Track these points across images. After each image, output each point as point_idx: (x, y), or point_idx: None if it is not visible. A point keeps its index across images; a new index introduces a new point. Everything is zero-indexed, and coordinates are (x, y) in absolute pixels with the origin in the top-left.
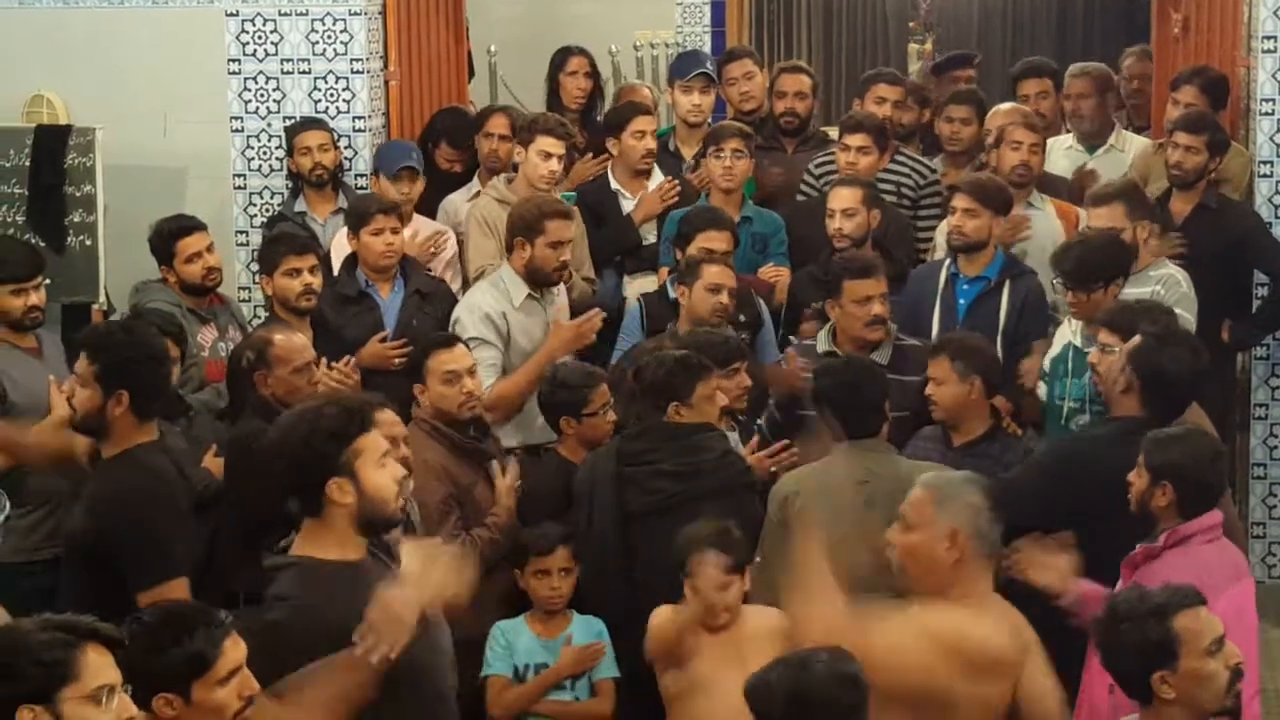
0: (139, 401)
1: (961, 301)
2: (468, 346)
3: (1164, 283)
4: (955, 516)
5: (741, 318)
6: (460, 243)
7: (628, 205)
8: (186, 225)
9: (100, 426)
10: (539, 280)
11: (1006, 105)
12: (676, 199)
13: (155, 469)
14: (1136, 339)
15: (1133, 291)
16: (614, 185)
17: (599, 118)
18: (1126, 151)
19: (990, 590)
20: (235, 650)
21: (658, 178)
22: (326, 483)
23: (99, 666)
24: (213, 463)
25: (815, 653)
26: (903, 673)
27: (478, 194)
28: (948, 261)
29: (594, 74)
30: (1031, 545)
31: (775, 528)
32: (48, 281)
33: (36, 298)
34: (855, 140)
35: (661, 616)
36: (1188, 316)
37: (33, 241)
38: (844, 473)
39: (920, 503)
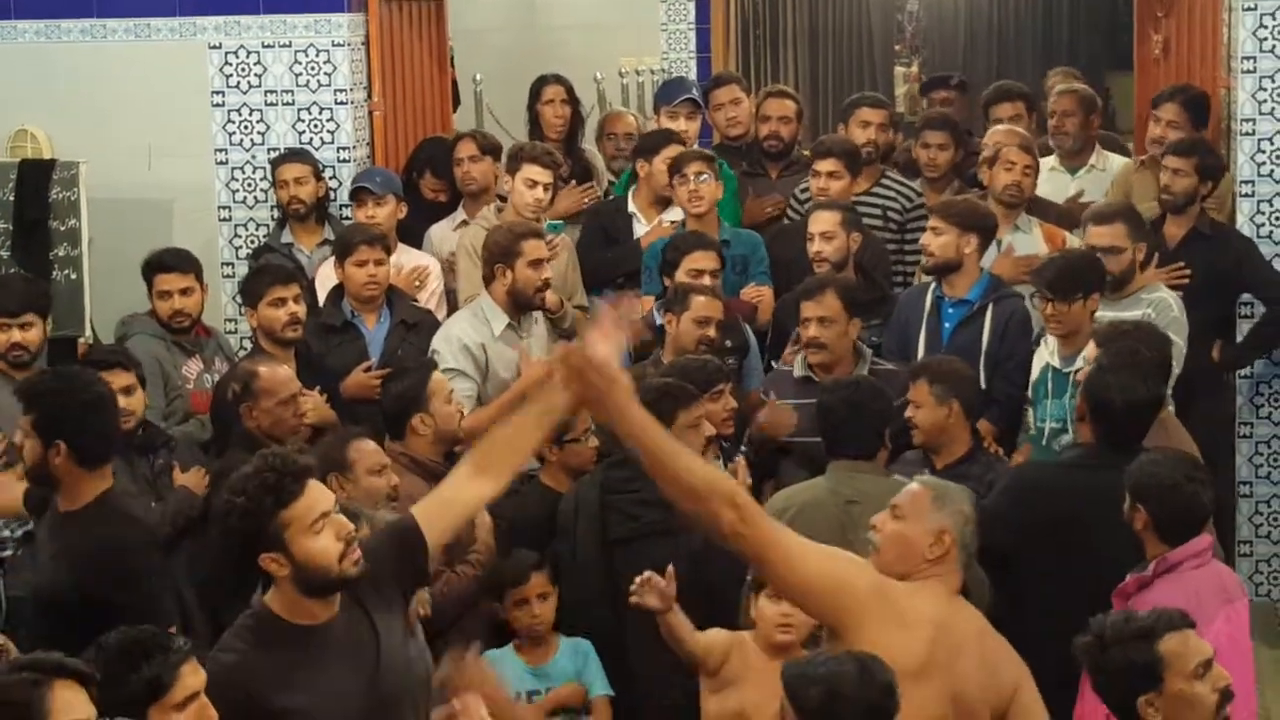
0: (79, 450)
1: (947, 325)
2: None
3: (1155, 306)
4: (948, 518)
5: (728, 343)
6: (445, 272)
7: (639, 229)
8: (166, 262)
9: (47, 477)
10: (522, 304)
11: (1005, 125)
12: None
13: (131, 517)
14: (1092, 366)
15: (1124, 314)
16: (631, 208)
17: (582, 144)
18: (1108, 171)
19: (955, 594)
20: (194, 677)
21: (676, 209)
22: (259, 559)
23: (70, 703)
24: (192, 478)
25: (855, 655)
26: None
27: (463, 223)
28: (933, 285)
29: (571, 101)
30: None
31: None
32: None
33: (21, 335)
34: (825, 166)
35: (715, 634)
36: (1178, 340)
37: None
38: (834, 492)
39: (917, 496)
